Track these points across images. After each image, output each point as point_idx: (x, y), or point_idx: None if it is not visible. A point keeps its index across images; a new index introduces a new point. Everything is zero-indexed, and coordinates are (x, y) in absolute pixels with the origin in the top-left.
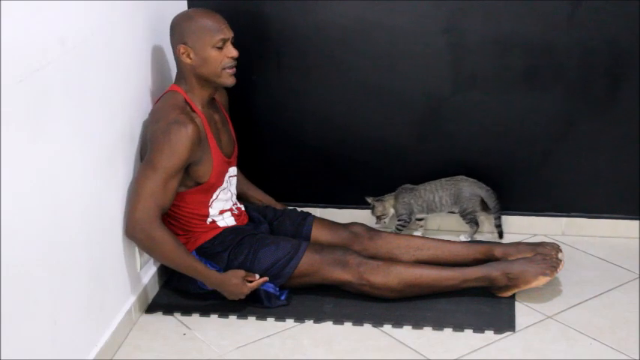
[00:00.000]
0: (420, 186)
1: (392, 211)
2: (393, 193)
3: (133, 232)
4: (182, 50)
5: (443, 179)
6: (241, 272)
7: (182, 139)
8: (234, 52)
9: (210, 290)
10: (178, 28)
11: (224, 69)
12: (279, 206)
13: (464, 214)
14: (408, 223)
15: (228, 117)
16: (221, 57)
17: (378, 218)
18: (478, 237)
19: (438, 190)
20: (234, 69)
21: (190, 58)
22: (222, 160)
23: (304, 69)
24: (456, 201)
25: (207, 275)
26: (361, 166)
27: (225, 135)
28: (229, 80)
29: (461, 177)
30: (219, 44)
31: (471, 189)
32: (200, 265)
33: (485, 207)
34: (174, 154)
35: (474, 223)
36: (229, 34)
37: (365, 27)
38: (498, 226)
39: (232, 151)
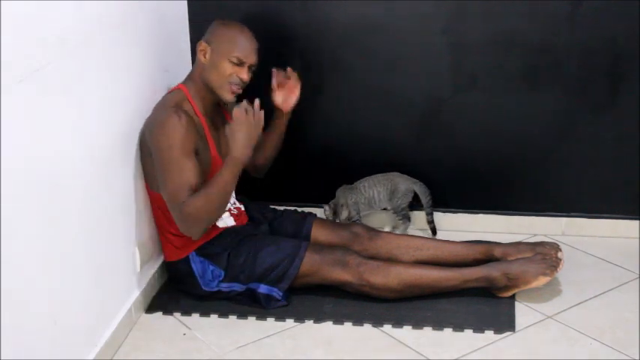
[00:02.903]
0: (357, 183)
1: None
2: (341, 197)
3: (193, 229)
4: (201, 47)
5: (378, 175)
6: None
7: (176, 124)
8: (245, 76)
9: (212, 291)
10: (211, 28)
11: (229, 83)
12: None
13: (397, 211)
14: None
15: None
16: (230, 72)
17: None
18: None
19: (376, 186)
20: (239, 90)
21: (205, 58)
22: (220, 166)
23: (304, 69)
24: (390, 197)
25: (235, 165)
26: (361, 166)
27: (226, 141)
28: (228, 96)
29: (395, 173)
30: (235, 60)
31: (406, 184)
32: (227, 174)
33: (418, 203)
34: (174, 136)
35: (407, 219)
36: (251, 60)
37: (365, 27)
38: (430, 222)
39: None
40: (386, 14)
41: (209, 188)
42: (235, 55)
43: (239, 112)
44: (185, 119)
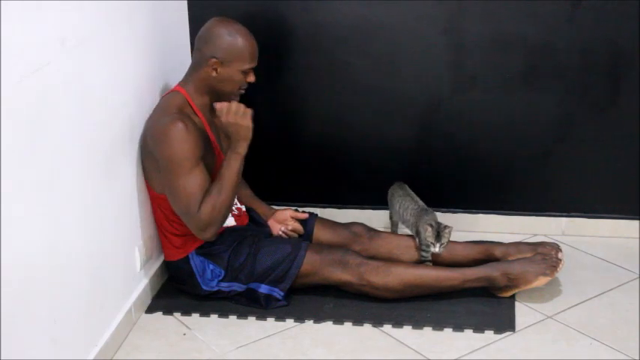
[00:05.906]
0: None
1: None
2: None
3: (208, 233)
4: (212, 63)
5: (401, 200)
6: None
7: (181, 131)
8: (253, 78)
9: (212, 290)
10: (217, 40)
11: (239, 88)
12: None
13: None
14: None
15: None
16: (242, 79)
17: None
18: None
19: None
20: (244, 90)
21: (216, 72)
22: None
23: (304, 69)
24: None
25: (236, 160)
26: (361, 166)
27: (226, 139)
28: (236, 98)
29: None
30: (247, 70)
31: (397, 186)
32: (229, 173)
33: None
34: (183, 147)
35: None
36: (256, 63)
37: (365, 27)
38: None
39: None
40: (386, 14)
41: (217, 190)
42: (247, 66)
43: (221, 110)
44: (191, 126)
